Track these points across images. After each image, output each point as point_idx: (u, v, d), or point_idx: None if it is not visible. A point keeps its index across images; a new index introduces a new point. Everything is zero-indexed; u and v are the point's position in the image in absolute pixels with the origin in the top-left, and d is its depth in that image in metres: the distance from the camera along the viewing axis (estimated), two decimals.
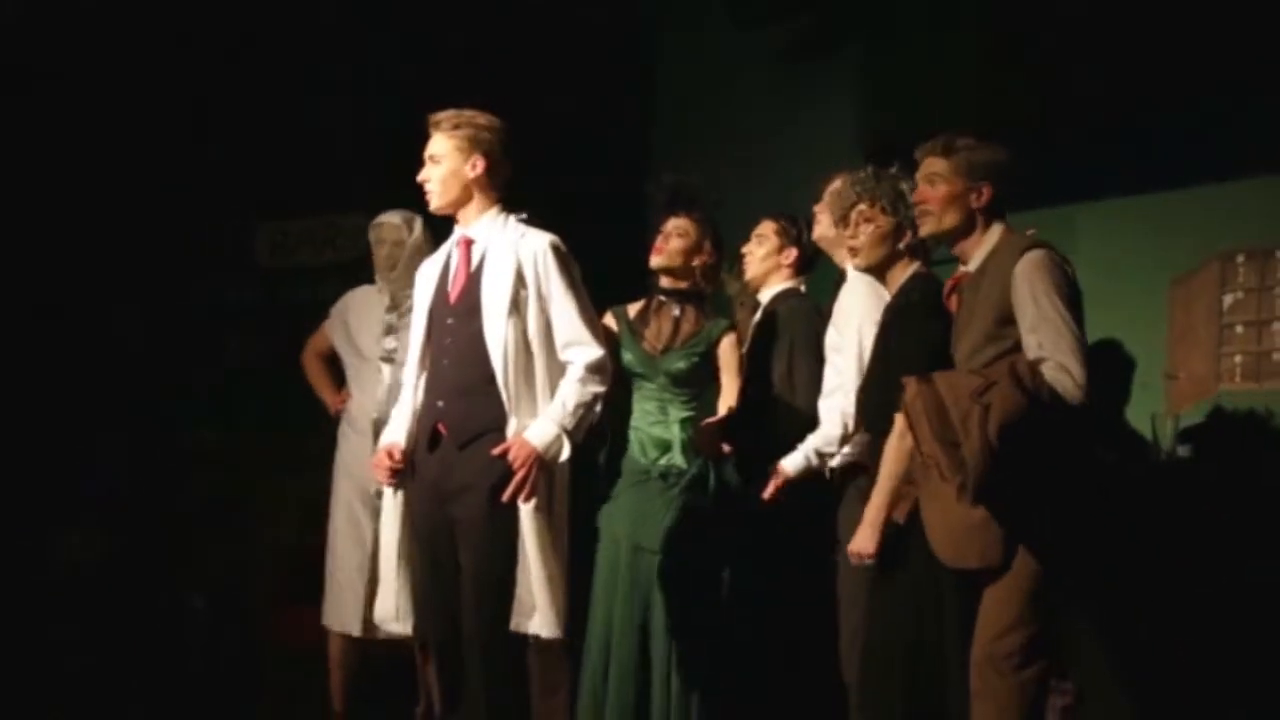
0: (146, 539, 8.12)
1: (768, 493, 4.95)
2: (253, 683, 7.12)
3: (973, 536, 3.92)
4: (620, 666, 5.21)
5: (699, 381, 5.38)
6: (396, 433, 4.59)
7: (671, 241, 5.41)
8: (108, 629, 7.54)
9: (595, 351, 4.42)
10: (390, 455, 4.52)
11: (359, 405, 5.94)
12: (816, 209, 5.20)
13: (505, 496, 4.24)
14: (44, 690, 6.81)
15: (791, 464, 4.92)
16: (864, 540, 4.36)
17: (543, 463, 4.28)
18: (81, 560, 7.89)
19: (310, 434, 6.65)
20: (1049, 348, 3.86)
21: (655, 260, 5.44)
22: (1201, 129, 5.79)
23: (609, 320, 5.50)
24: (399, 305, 5.92)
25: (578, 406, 4.35)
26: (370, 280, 6.15)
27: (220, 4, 8.08)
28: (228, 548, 8.00)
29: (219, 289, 8.78)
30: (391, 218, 5.95)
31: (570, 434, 4.33)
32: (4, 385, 7.85)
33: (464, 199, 4.54)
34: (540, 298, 4.44)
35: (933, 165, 4.21)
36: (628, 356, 5.42)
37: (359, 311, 6.06)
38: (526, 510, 4.31)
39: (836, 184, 5.00)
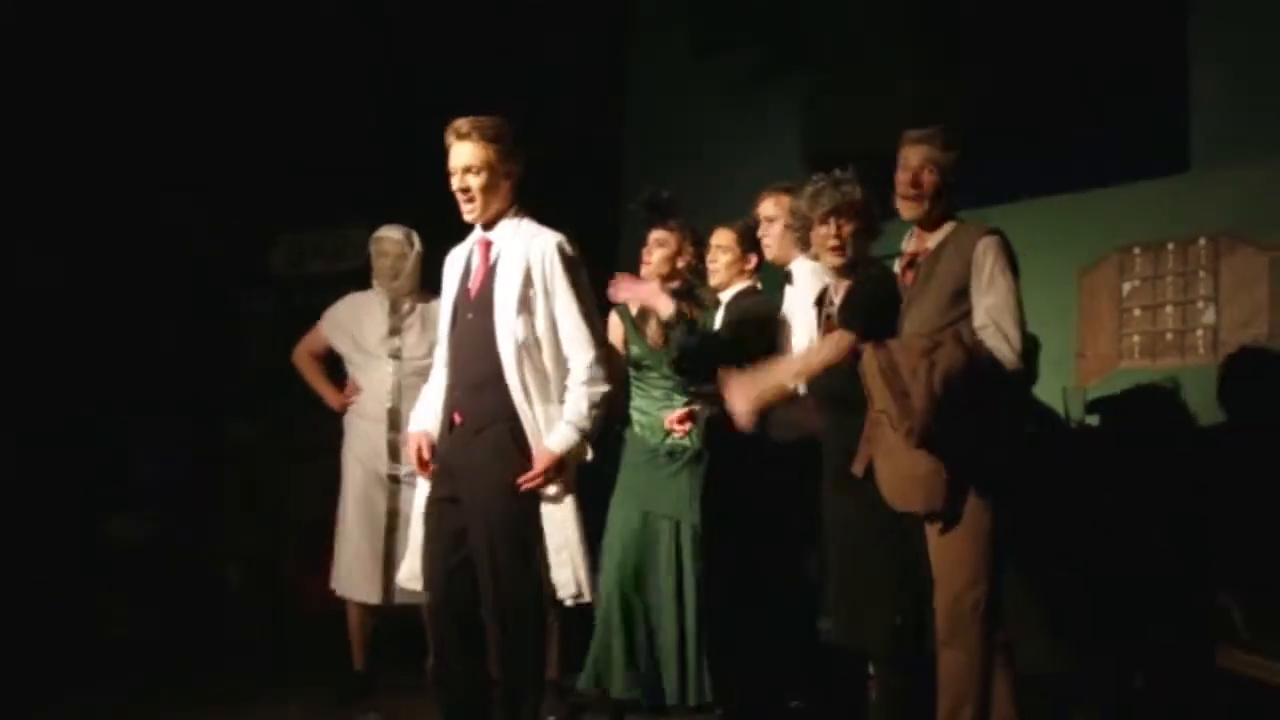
0: (185, 520, 8.19)
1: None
2: (280, 645, 7.17)
3: (918, 484, 4.01)
4: (631, 621, 5.31)
5: None
6: (422, 420, 4.46)
7: (655, 252, 5.47)
8: (152, 599, 7.62)
9: (591, 352, 4.24)
10: (420, 449, 4.37)
11: (369, 397, 5.99)
12: (760, 234, 5.22)
13: (523, 486, 4.13)
14: (95, 653, 6.94)
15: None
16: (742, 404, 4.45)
17: (564, 464, 4.18)
18: (128, 539, 7.95)
19: (324, 425, 6.68)
20: (995, 315, 3.98)
21: (645, 271, 5.50)
22: (1101, 139, 5.92)
23: (613, 319, 5.58)
24: (399, 309, 6.04)
25: (591, 407, 4.20)
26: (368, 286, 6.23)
27: (237, 40, 8.17)
28: (256, 526, 8.06)
29: (244, 299, 8.86)
30: (393, 233, 5.98)
31: (588, 435, 4.21)
32: (60, 390, 7.95)
33: (503, 206, 4.31)
34: (547, 295, 4.23)
35: (931, 154, 4.17)
36: (635, 350, 5.49)
37: (360, 315, 6.09)
38: (547, 493, 4.23)
39: (765, 205, 5.12)
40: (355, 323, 6.11)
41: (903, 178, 4.20)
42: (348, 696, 5.97)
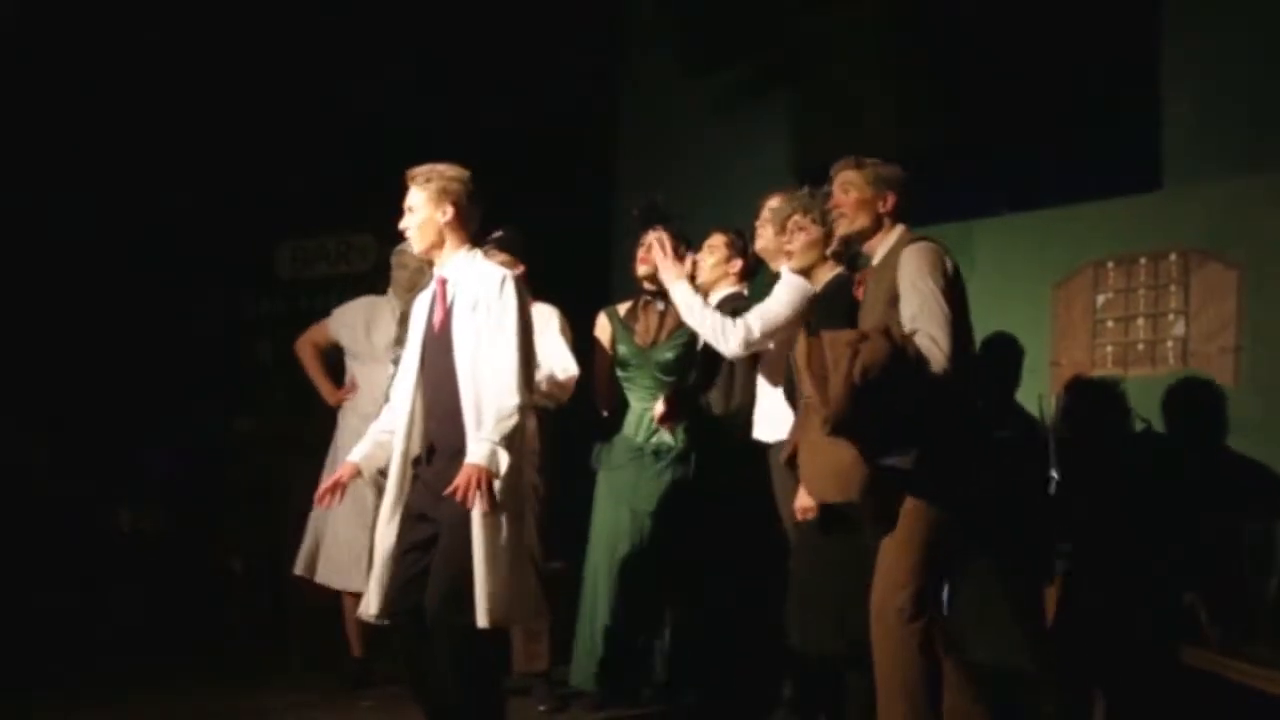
0: (193, 513, 8.17)
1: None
2: (281, 635, 7.11)
3: (836, 476, 3.98)
4: (615, 615, 5.33)
5: (684, 369, 5.44)
6: (359, 454, 4.56)
7: (655, 250, 5.52)
8: (159, 589, 7.62)
9: (510, 373, 4.26)
10: (341, 478, 4.50)
11: (366, 395, 5.99)
12: (757, 224, 5.20)
13: (457, 497, 4.12)
14: (107, 639, 6.96)
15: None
16: (805, 497, 4.42)
17: (486, 474, 4.15)
18: (139, 531, 7.94)
19: (326, 422, 6.67)
20: (920, 320, 3.94)
21: (641, 269, 5.50)
22: (1077, 157, 5.94)
23: (603, 320, 5.60)
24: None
25: (499, 421, 4.20)
26: (375, 290, 6.23)
27: (241, 49, 8.18)
28: (261, 520, 7.99)
29: (249, 301, 8.85)
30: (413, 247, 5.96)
31: (499, 444, 4.19)
32: (74, 389, 7.99)
33: (439, 243, 4.44)
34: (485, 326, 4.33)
35: (846, 176, 4.29)
36: (622, 350, 5.49)
37: (373, 316, 6.11)
38: (476, 514, 4.17)
39: (774, 201, 5.09)
40: (366, 323, 6.13)
41: (832, 200, 4.37)
42: (348, 684, 5.96)
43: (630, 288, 5.74)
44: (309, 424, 7.79)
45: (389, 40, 8.16)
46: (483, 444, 4.19)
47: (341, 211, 8.37)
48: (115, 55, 7.97)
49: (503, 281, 4.38)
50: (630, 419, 5.48)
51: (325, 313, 6.42)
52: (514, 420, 4.23)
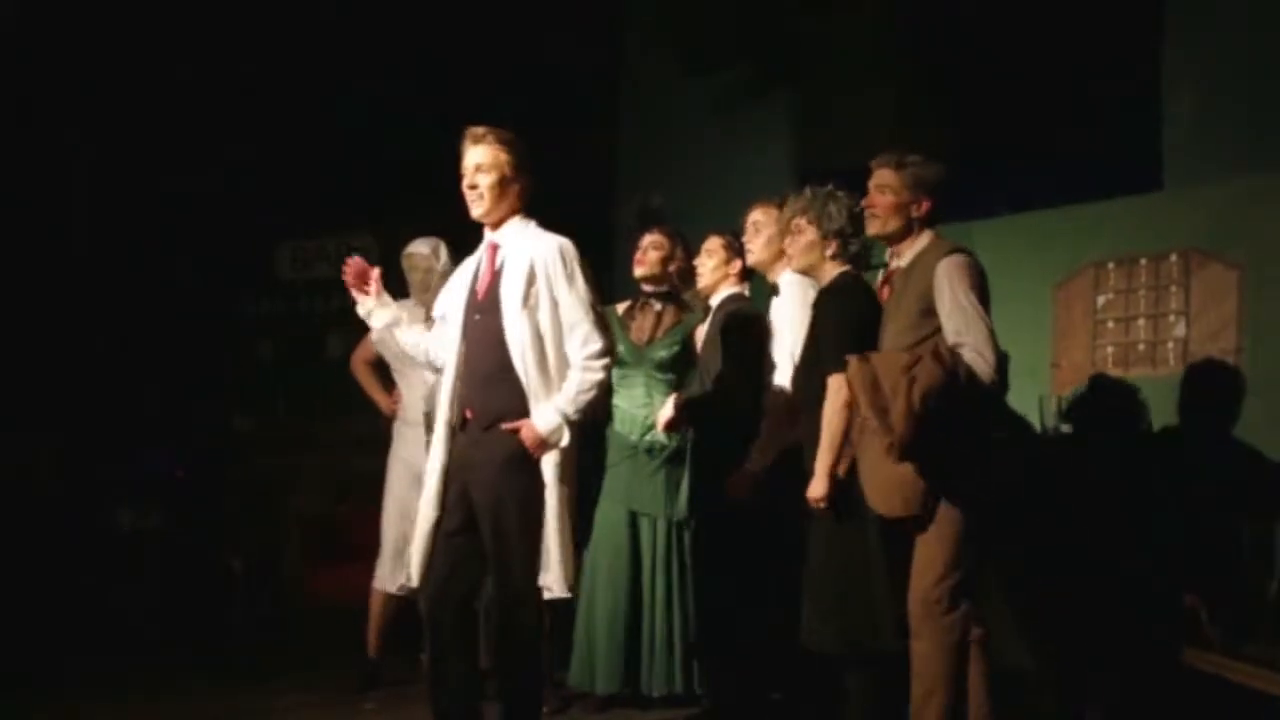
0: (193, 513, 8.16)
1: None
2: (283, 632, 7.16)
3: (898, 489, 4.02)
4: (613, 615, 5.31)
5: (679, 368, 5.44)
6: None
7: (649, 253, 5.49)
8: (159, 588, 7.63)
9: (595, 343, 4.24)
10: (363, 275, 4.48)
11: (409, 403, 5.94)
12: (745, 239, 5.19)
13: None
14: (107, 639, 6.94)
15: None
16: (817, 487, 4.36)
17: (545, 444, 4.17)
18: (139, 531, 7.94)
19: (328, 420, 6.68)
20: (965, 334, 3.98)
21: (638, 270, 5.51)
22: (1078, 157, 5.93)
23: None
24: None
25: (579, 393, 4.20)
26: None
27: (242, 49, 8.19)
28: (261, 520, 8.03)
29: (250, 301, 8.86)
30: (420, 248, 5.85)
31: (570, 419, 4.18)
32: (75, 388, 8.01)
33: (507, 208, 4.33)
34: (551, 294, 4.24)
35: (884, 177, 4.23)
36: (619, 349, 5.51)
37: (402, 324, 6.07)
38: (549, 484, 4.21)
39: (756, 213, 5.11)
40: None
41: (867, 198, 4.30)
42: (357, 684, 5.92)
43: (630, 287, 5.74)
44: (311, 424, 7.83)
45: (389, 40, 8.15)
46: (552, 413, 4.19)
47: (341, 211, 8.35)
48: (115, 55, 7.97)
49: (562, 247, 4.30)
50: (624, 418, 5.48)
51: (325, 313, 6.39)
52: (593, 394, 4.25)
